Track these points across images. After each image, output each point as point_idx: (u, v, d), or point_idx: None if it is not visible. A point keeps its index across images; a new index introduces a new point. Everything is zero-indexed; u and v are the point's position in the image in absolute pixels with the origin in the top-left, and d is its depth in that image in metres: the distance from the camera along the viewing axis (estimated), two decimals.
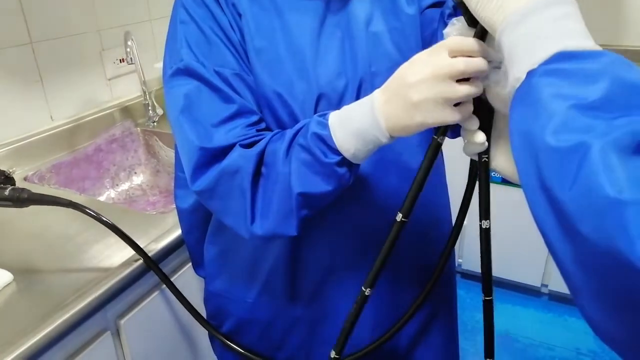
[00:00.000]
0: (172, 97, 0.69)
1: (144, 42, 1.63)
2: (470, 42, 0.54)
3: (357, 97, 0.73)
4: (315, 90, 0.70)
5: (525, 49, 0.44)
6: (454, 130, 0.67)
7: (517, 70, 0.44)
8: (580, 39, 0.42)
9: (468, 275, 2.25)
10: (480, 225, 0.64)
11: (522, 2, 0.45)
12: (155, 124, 1.62)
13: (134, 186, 1.54)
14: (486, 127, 0.59)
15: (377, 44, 0.75)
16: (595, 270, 0.34)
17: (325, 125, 0.62)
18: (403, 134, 0.59)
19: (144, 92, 1.60)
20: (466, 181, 0.69)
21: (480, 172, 0.62)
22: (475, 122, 0.58)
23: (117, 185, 1.50)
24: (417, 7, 0.80)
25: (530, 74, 0.42)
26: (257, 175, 0.65)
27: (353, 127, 0.60)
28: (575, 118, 0.36)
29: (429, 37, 0.79)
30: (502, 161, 0.60)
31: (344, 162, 0.62)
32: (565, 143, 0.35)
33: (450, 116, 0.55)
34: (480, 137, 0.59)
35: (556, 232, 0.36)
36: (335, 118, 0.62)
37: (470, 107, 0.56)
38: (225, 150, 0.66)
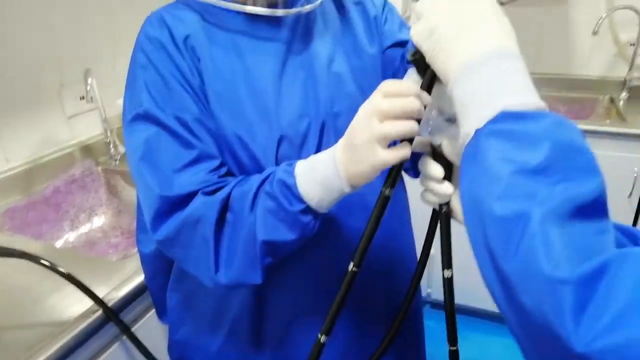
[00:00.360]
0: (131, 143, 0.68)
1: (106, 78, 1.60)
2: (404, 85, 0.55)
3: (320, 138, 0.73)
4: (277, 132, 0.70)
5: (472, 105, 0.45)
6: (415, 170, 0.68)
7: (466, 126, 0.45)
8: (526, 96, 0.43)
9: (438, 305, 2.25)
10: (443, 275, 0.64)
11: (469, 55, 0.46)
12: (117, 162, 1.58)
13: (95, 228, 1.48)
14: (447, 177, 0.60)
15: (340, 84, 0.76)
16: (536, 342, 0.34)
17: (291, 174, 0.62)
18: (362, 181, 0.59)
19: (106, 130, 1.56)
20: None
21: (441, 222, 0.63)
22: (438, 171, 0.59)
23: (77, 227, 1.44)
24: (378, 47, 0.81)
25: (478, 132, 0.43)
26: (220, 222, 0.64)
27: (317, 176, 0.60)
28: (518, 184, 0.37)
29: (390, 77, 0.80)
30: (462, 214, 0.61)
31: (308, 210, 0.62)
32: (508, 211, 0.36)
33: (383, 156, 0.55)
34: (446, 188, 0.59)
35: (502, 298, 0.37)
36: (301, 167, 0.62)
37: (407, 151, 0.56)
38: (186, 198, 0.64)
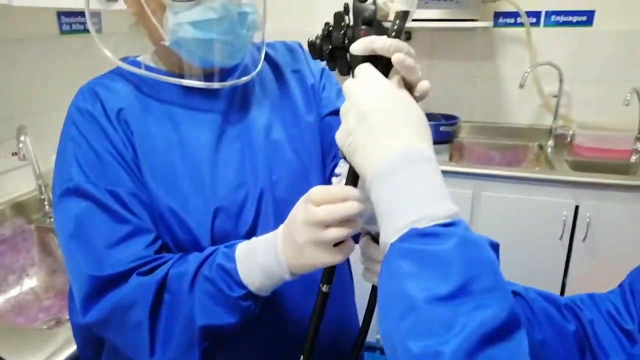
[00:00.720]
0: (61, 220, 0.66)
1: (41, 132, 1.54)
2: (332, 191, 0.55)
3: (258, 207, 0.73)
4: (212, 204, 0.70)
5: (386, 214, 0.45)
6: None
7: (383, 235, 0.45)
8: (436, 205, 0.43)
9: None
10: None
11: (382, 160, 0.45)
12: (52, 219, 1.51)
13: (25, 290, 1.40)
14: None
15: (277, 151, 0.77)
16: None
17: (232, 258, 0.61)
18: (303, 271, 0.59)
19: (40, 187, 1.50)
20: None
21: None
22: (377, 254, 0.60)
23: (5, 291, 1.35)
24: (316, 115, 0.83)
25: (391, 247, 0.43)
26: (157, 304, 0.62)
27: (258, 261, 0.60)
28: (429, 316, 0.37)
29: (328, 144, 0.82)
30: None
31: (249, 295, 0.61)
32: (420, 350, 0.36)
33: (329, 258, 0.57)
34: None
35: None
36: (241, 251, 0.62)
37: (351, 246, 0.58)
38: (120, 278, 0.62)
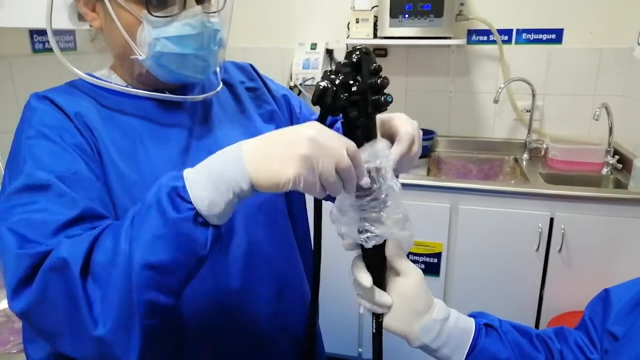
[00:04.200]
0: (3, 213, 0.60)
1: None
2: (361, 160, 0.56)
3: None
4: None
5: None
6: None
7: None
8: None
9: None
10: None
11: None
12: None
13: None
14: (377, 282, 0.64)
15: None
16: None
17: (179, 177, 0.55)
18: (269, 186, 0.53)
19: None
20: None
21: (375, 329, 0.66)
22: (367, 280, 0.62)
23: None
24: (274, 127, 0.86)
25: None
26: (88, 260, 0.55)
27: (212, 173, 0.54)
28: None
29: None
30: (398, 324, 0.65)
31: (197, 217, 0.53)
32: None
33: (318, 187, 0.53)
34: (385, 299, 0.64)
35: None
36: (190, 170, 0.55)
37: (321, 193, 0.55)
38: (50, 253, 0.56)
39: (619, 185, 2.06)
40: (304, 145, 0.52)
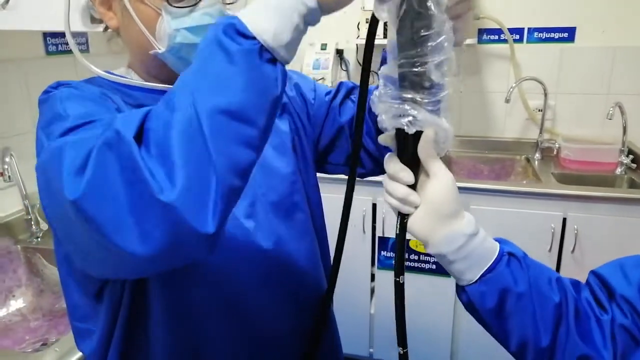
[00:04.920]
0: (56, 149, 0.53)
1: (26, 152, 1.54)
2: None
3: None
4: None
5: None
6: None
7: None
8: None
9: None
10: (397, 281, 0.64)
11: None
12: (39, 239, 1.50)
13: (12, 312, 1.38)
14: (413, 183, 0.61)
15: (265, 165, 0.78)
16: None
17: (232, 17, 0.50)
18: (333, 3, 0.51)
19: (26, 207, 1.49)
20: None
21: (398, 233, 0.63)
22: (408, 177, 0.60)
23: None
24: (288, 119, 0.85)
25: None
26: (140, 133, 0.49)
27: (269, 2, 0.49)
28: None
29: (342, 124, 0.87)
30: (421, 226, 0.62)
31: (263, 52, 0.48)
32: None
33: None
34: (414, 198, 0.61)
35: None
36: (243, 10, 0.50)
37: None
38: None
39: (633, 185, 2.03)
40: None
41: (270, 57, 0.48)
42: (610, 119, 1.98)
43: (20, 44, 1.56)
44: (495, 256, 0.62)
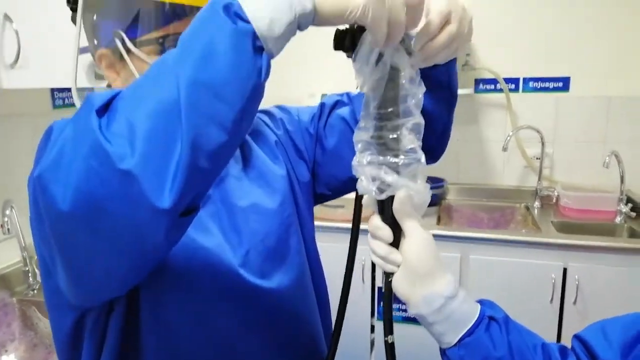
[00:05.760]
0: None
1: (27, 204, 1.56)
2: None
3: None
4: None
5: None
6: None
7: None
8: None
9: None
10: (386, 341, 0.64)
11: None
12: (35, 292, 1.50)
13: None
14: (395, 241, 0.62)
15: (260, 208, 0.79)
16: None
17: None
18: (334, 11, 0.50)
19: (25, 259, 1.50)
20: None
21: (384, 289, 0.64)
22: (387, 234, 0.61)
23: None
24: (286, 165, 0.86)
25: None
26: (110, 102, 0.49)
27: None
28: None
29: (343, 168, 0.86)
30: (402, 286, 0.62)
31: (255, 39, 0.48)
32: None
33: (385, 22, 0.51)
34: (394, 257, 0.62)
35: None
36: None
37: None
38: None
39: (633, 234, 2.02)
40: None
41: (259, 45, 0.48)
42: (606, 168, 1.99)
43: (28, 98, 1.61)
44: (475, 320, 0.62)
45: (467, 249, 1.90)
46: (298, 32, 0.52)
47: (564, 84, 2.29)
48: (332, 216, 1.99)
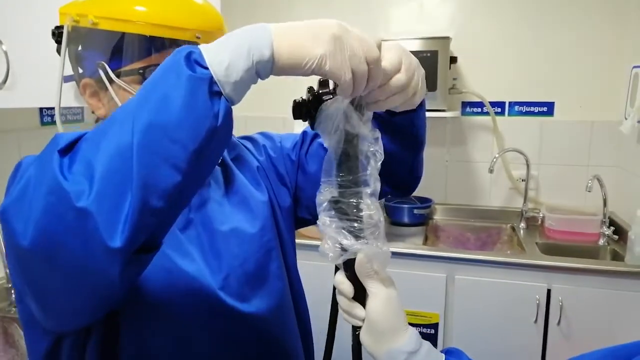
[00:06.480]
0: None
1: None
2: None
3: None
4: None
5: None
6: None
7: None
8: None
9: None
10: None
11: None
12: (17, 309, 1.48)
13: None
14: (359, 298, 0.65)
15: (240, 233, 0.80)
16: None
17: (194, 47, 0.51)
18: (292, 62, 0.52)
19: (7, 275, 1.49)
20: None
21: (353, 341, 0.67)
22: (347, 289, 0.64)
23: None
24: (267, 190, 0.87)
25: None
26: (72, 145, 0.51)
27: (231, 37, 0.52)
28: None
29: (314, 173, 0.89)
30: (367, 341, 0.65)
31: (212, 84, 0.49)
32: None
33: (346, 71, 0.52)
34: (359, 311, 0.65)
35: None
36: (208, 44, 0.52)
37: (362, 84, 0.54)
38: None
39: (616, 257, 2.05)
40: (335, 27, 0.51)
41: (217, 90, 0.50)
42: (589, 192, 2.02)
43: (16, 115, 1.62)
44: None
45: (452, 269, 1.92)
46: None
47: (548, 108, 2.34)
48: (316, 234, 2.00)
